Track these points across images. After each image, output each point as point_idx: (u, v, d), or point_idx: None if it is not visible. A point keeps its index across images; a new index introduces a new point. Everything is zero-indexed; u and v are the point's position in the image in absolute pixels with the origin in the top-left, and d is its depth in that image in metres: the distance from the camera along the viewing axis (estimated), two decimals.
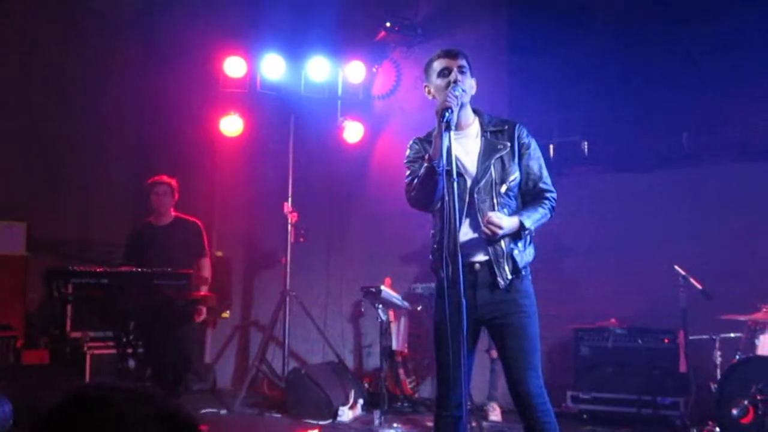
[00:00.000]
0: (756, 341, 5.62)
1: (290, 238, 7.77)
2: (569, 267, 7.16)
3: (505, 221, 3.42)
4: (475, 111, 3.65)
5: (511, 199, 3.54)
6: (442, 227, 3.43)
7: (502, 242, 3.46)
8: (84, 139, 8.50)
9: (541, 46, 7.30)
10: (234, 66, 7.84)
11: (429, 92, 3.64)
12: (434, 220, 3.63)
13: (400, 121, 8.15)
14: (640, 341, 6.39)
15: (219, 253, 8.46)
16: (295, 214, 7.78)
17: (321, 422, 6.52)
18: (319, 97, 8.15)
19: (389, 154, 7.91)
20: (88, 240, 8.36)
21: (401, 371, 7.20)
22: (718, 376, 5.72)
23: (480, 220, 3.45)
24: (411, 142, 3.71)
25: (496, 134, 3.58)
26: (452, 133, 3.31)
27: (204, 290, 6.60)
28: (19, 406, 4.62)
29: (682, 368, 6.18)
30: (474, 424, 6.02)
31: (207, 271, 6.05)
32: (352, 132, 8.13)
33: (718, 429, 5.54)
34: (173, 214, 6.70)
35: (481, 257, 3.48)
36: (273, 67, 7.89)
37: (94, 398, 1.32)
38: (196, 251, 6.08)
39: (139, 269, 5.67)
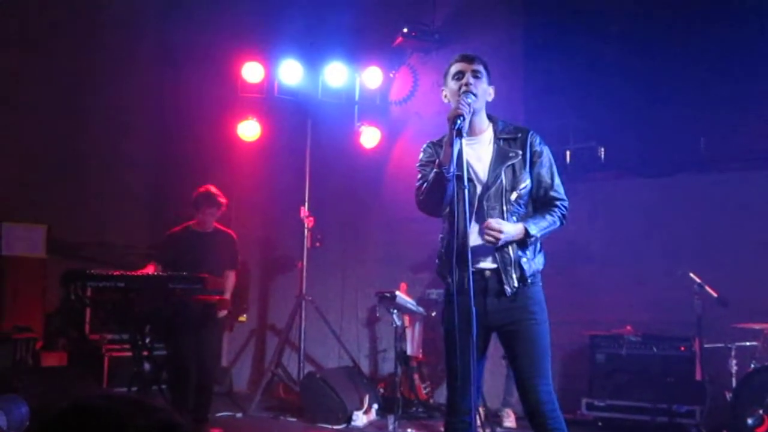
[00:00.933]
0: None
1: (306, 243, 7.81)
2: (585, 273, 7.12)
3: (507, 227, 3.37)
4: (489, 117, 3.64)
5: (521, 207, 3.52)
6: (450, 232, 3.44)
7: (510, 249, 3.44)
8: (102, 145, 8.62)
9: (557, 53, 7.30)
10: (252, 71, 7.91)
11: (445, 96, 3.64)
12: (443, 224, 3.63)
13: (416, 127, 8.17)
14: (655, 349, 6.34)
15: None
16: (311, 218, 7.82)
17: (336, 426, 6.55)
18: (337, 103, 8.20)
19: (406, 160, 7.90)
20: (106, 243, 8.46)
21: (416, 376, 7.21)
22: (734, 385, 5.69)
23: None
24: (425, 145, 3.70)
25: (508, 142, 3.56)
26: (465, 139, 3.32)
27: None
28: (36, 409, 4.67)
29: (698, 376, 6.12)
30: (488, 430, 6.02)
31: (231, 282, 6.11)
32: (369, 137, 8.16)
33: None
34: (214, 224, 6.75)
35: (489, 264, 3.46)
36: (291, 72, 7.95)
37: (96, 407, 1.32)
38: (229, 262, 6.16)
39: (155, 273, 5.73)
